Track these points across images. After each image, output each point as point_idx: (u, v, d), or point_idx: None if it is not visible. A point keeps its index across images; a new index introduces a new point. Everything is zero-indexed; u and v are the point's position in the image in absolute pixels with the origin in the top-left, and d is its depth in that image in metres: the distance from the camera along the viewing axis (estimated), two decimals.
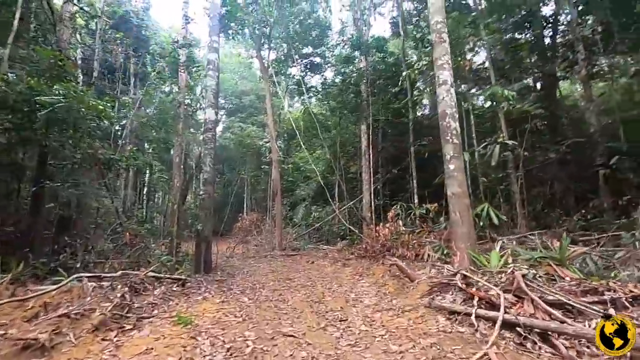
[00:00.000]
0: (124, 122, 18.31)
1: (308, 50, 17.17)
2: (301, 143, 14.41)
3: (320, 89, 17.60)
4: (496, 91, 9.11)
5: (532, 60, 12.93)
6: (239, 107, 25.91)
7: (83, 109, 6.95)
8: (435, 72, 7.05)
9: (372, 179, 13.36)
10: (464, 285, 4.58)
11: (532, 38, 12.48)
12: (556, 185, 10.41)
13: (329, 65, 17.20)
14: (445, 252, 7.91)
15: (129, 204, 22.35)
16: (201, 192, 8.63)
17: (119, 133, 18.65)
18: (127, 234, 7.91)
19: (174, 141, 12.13)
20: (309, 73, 17.18)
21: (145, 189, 29.02)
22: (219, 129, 33.94)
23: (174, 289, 6.24)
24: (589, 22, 10.32)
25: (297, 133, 23.77)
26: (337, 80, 16.10)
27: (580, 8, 10.18)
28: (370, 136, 13.20)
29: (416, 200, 12.85)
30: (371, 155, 12.80)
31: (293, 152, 22.36)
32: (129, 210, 20.62)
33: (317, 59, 17.03)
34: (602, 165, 8.44)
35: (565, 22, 12.09)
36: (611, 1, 9.29)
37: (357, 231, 13.14)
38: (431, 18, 7.30)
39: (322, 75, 17.37)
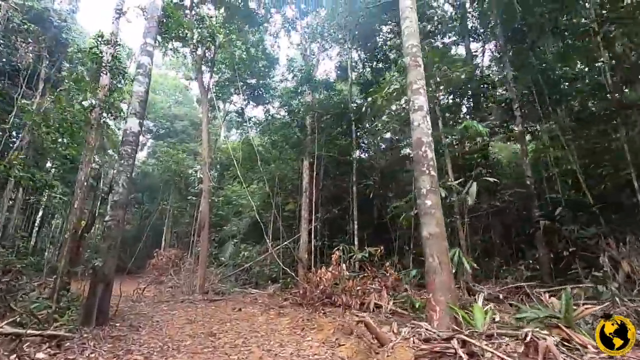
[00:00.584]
0: (21, 132, 15.16)
1: (253, 80, 16.41)
2: (238, 173, 13.04)
3: (262, 121, 16.71)
4: (470, 125, 8.94)
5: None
6: (169, 131, 23.67)
7: None
8: (410, 97, 6.58)
9: (312, 218, 12.40)
10: (466, 357, 3.53)
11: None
12: (494, 234, 10.62)
13: (274, 97, 16.55)
14: (415, 304, 7.04)
15: (12, 230, 18.07)
16: (108, 218, 6.74)
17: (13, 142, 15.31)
18: None
19: (82, 155, 9.93)
20: (251, 102, 16.26)
21: (40, 213, 24.08)
22: (142, 154, 30.68)
23: (41, 355, 4.28)
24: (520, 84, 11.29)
25: (232, 164, 22.28)
26: (282, 112, 15.40)
27: (514, 71, 11.15)
28: (313, 173, 12.43)
29: (356, 242, 12.13)
30: (313, 193, 11.93)
31: (226, 184, 20.63)
32: (10, 238, 16.48)
33: (262, 90, 16.27)
34: (544, 216, 8.71)
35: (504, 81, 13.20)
36: (540, 69, 10.34)
37: (292, 273, 11.80)
38: (405, 41, 7.00)
39: (265, 107, 16.58)
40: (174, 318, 8.26)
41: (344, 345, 4.81)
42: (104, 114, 8.41)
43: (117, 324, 6.72)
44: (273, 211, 15.72)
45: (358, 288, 8.46)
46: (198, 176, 19.42)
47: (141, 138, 28.45)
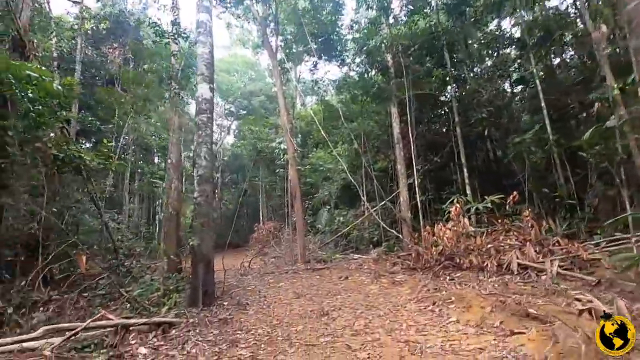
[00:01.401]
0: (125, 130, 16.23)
1: (321, 37, 14.75)
2: (323, 134, 11.86)
3: (337, 79, 15.10)
4: None
5: None
6: (248, 109, 23.72)
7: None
8: None
9: (410, 172, 10.66)
10: None
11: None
12: None
13: (346, 49, 14.67)
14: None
15: (137, 218, 20.17)
16: (196, 195, 6.14)
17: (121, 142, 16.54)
18: (82, 257, 5.39)
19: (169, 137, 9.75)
20: (323, 57, 14.67)
21: (158, 201, 26.90)
22: (230, 138, 31.86)
23: (143, 350, 3.69)
24: None
25: (313, 130, 21.38)
26: (357, 60, 13.52)
27: None
28: (408, 119, 10.52)
29: (468, 192, 10.07)
30: (410, 142, 10.10)
31: (310, 152, 19.88)
32: (135, 226, 18.41)
33: (332, 41, 14.48)
34: None
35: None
36: None
37: (398, 234, 10.41)
38: None
39: (338, 60, 14.83)
40: (280, 292, 7.64)
41: (522, 334, 3.23)
42: (174, 84, 7.83)
43: (225, 302, 6.25)
44: (363, 171, 14.34)
45: (489, 245, 6.66)
46: (282, 147, 18.97)
47: (225, 122, 29.44)
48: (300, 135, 22.13)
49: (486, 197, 8.50)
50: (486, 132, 10.08)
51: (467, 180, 10.20)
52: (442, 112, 12.52)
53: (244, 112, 24.53)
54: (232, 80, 23.71)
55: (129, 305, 5.41)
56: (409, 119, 10.71)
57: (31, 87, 5.10)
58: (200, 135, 6.37)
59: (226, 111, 25.16)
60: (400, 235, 10.47)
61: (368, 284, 7.69)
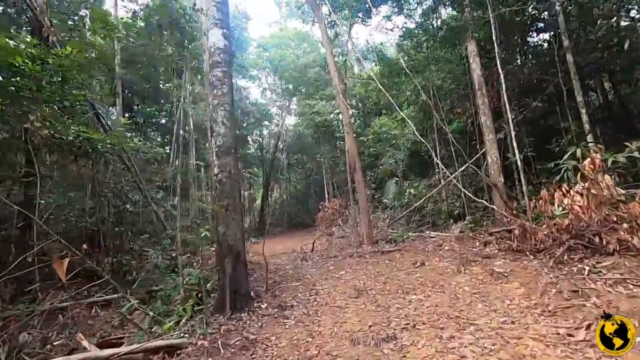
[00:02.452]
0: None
1: None
2: (388, 97, 9.66)
3: (394, 26, 12.50)
4: None
5: None
6: (304, 83, 22.16)
7: None
8: None
9: (507, 121, 8.04)
10: None
11: None
12: None
13: None
14: None
15: (193, 213, 20.34)
16: (216, 171, 4.74)
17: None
18: (62, 263, 4.33)
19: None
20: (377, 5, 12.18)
21: None
22: (291, 120, 30.82)
23: None
24: None
25: (374, 95, 19.01)
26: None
27: None
28: (496, 52, 7.79)
29: (591, 142, 7.14)
30: (502, 83, 7.44)
31: (372, 120, 17.68)
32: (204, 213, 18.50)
33: None
34: None
35: None
36: None
37: (487, 204, 8.02)
38: None
39: (397, 4, 12.20)
40: (338, 285, 6.04)
41: None
42: None
43: (264, 305, 4.86)
44: (435, 134, 11.83)
45: None
46: (340, 118, 17.11)
47: (285, 102, 28.26)
48: (360, 104, 19.98)
49: (627, 145, 5.66)
50: (605, 59, 6.86)
51: (586, 126, 7.24)
52: (540, 42, 9.28)
53: (300, 87, 23.02)
54: (285, 54, 22.25)
55: (150, 310, 4.30)
56: (496, 52, 7.91)
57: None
58: (216, 95, 4.89)
59: (282, 88, 23.98)
60: (491, 206, 8.01)
61: (453, 274, 5.65)
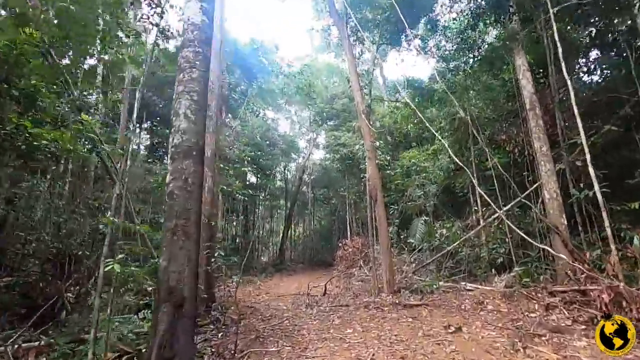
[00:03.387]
0: None
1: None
2: (419, 128, 8.26)
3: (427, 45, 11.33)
4: None
5: None
6: (332, 114, 21.32)
7: None
8: None
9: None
10: None
11: None
12: None
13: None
14: None
15: (234, 230, 19.05)
16: (168, 179, 3.40)
17: None
18: None
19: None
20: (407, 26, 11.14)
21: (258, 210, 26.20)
22: (318, 154, 29.93)
23: None
24: None
25: (401, 131, 17.61)
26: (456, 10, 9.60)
27: None
28: (549, 66, 6.28)
29: None
30: (572, 95, 5.82)
31: (400, 154, 16.12)
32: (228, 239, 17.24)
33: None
34: None
35: None
36: None
37: (543, 252, 6.06)
38: None
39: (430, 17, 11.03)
40: (336, 354, 4.26)
41: None
42: None
43: None
44: (474, 168, 10.05)
45: None
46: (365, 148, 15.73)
47: (313, 135, 27.67)
48: (388, 137, 18.61)
49: None
50: None
51: None
52: (612, 48, 7.48)
53: (328, 120, 22.23)
54: (314, 84, 21.75)
55: None
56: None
57: None
58: (182, 80, 3.69)
59: (311, 120, 23.28)
60: (559, 255, 6.01)
61: (507, 354, 3.75)
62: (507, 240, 8.39)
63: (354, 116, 21.13)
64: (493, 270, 8.47)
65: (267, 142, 23.52)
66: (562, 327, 4.28)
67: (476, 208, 9.75)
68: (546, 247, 5.97)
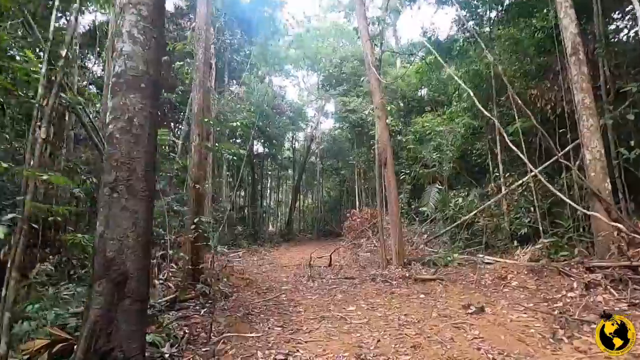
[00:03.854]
0: None
1: None
2: (449, 72, 7.09)
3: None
4: None
5: None
6: (340, 78, 19.91)
7: None
8: None
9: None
10: None
11: None
12: None
13: None
14: None
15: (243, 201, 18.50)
16: (108, 118, 2.53)
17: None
18: None
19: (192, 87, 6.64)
20: None
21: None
22: (327, 124, 28.59)
23: None
24: None
25: (417, 94, 16.28)
26: None
27: None
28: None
29: None
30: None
31: (413, 119, 14.88)
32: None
33: None
34: None
35: None
36: None
37: (596, 215, 5.12)
38: None
39: None
40: (332, 338, 3.53)
41: None
42: None
43: None
44: (497, 133, 8.92)
45: None
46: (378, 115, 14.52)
47: (321, 102, 26.17)
48: (401, 103, 17.27)
49: None
50: None
51: None
52: None
53: (337, 85, 20.79)
54: (322, 47, 20.20)
55: None
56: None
57: None
58: None
59: (319, 85, 21.90)
60: (586, 224, 5.08)
61: (545, 343, 2.94)
62: (532, 208, 7.41)
63: (364, 80, 19.73)
64: (515, 242, 7.58)
65: (274, 111, 22.40)
66: (616, 311, 3.42)
67: (498, 173, 8.72)
68: (595, 214, 4.99)
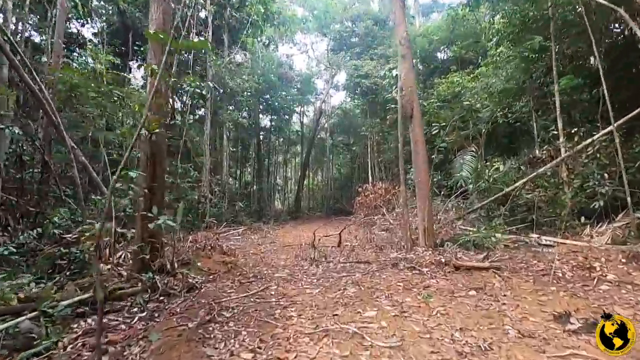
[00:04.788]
0: None
1: None
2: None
3: None
4: None
5: None
6: (351, 42, 17.61)
7: None
8: None
9: None
10: None
11: None
12: None
13: None
14: None
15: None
16: None
17: None
18: None
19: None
20: None
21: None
22: (338, 97, 26.27)
23: None
24: None
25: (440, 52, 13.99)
26: None
27: None
28: None
29: None
30: None
31: (436, 80, 12.71)
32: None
33: None
34: None
35: None
36: None
37: None
38: None
39: None
40: None
41: None
42: None
43: None
44: (547, 90, 6.86)
45: None
46: (393, 74, 12.42)
47: (331, 71, 23.66)
48: (421, 65, 14.99)
49: None
50: None
51: None
52: None
53: (348, 48, 18.39)
54: (331, 4, 17.77)
55: None
56: None
57: None
58: None
59: (328, 52, 19.58)
60: None
61: None
62: (606, 175, 5.47)
63: (378, 41, 17.40)
64: (581, 218, 5.69)
65: (282, 81, 20.31)
66: None
67: (558, 131, 6.71)
68: None
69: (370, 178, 17.79)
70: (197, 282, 3.95)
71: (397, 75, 13.22)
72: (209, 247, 6.74)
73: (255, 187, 20.57)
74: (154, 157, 4.12)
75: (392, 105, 16.16)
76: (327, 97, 24.72)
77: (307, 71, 23.96)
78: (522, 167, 8.23)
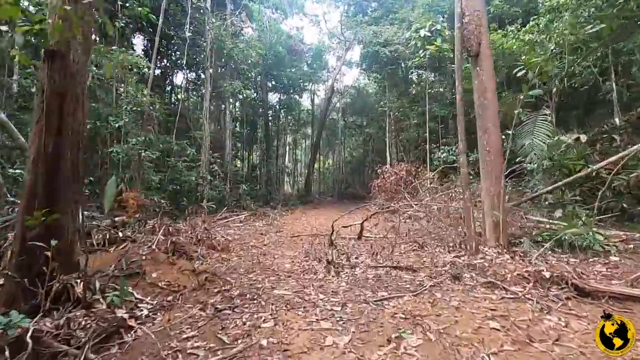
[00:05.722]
0: None
1: None
2: None
3: None
4: None
5: None
6: (368, 6, 15.25)
7: None
8: None
9: None
10: None
11: None
12: None
13: None
14: None
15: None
16: None
17: None
18: None
19: None
20: None
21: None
22: (353, 73, 23.92)
23: None
24: None
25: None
26: None
27: None
28: None
29: None
30: None
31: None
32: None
33: None
34: None
35: None
36: None
37: None
38: None
39: None
40: None
41: None
42: None
43: None
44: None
45: None
46: (420, 35, 10.20)
47: (345, 45, 21.07)
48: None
49: None
50: None
51: None
52: None
53: (365, 13, 15.97)
54: None
55: None
56: None
57: None
58: None
59: (342, 18, 17.22)
60: None
61: None
62: None
63: (400, 4, 15.03)
64: None
65: (291, 54, 18.13)
66: None
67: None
68: None
69: (388, 159, 15.75)
70: (135, 314, 2.19)
71: (424, 36, 11.14)
72: (196, 240, 5.05)
73: (263, 169, 18.81)
74: (61, 97, 2.29)
75: (419, 72, 13.84)
76: (339, 74, 22.45)
77: (319, 44, 21.57)
78: (597, 139, 6.17)
